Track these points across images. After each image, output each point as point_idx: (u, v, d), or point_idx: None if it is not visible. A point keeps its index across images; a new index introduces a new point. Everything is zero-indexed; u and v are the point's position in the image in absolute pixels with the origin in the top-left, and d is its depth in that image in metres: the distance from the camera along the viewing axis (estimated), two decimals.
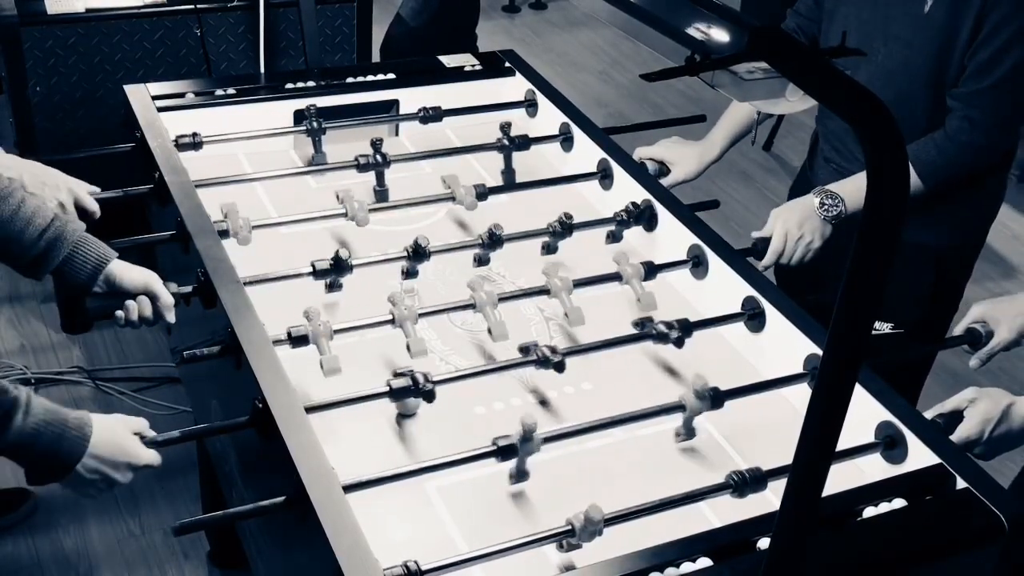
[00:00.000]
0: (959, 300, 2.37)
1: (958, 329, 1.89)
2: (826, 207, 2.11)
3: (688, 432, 1.72)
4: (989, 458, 1.69)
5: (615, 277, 2.00)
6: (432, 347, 1.89)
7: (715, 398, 1.69)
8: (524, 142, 2.41)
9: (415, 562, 1.35)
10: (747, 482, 1.53)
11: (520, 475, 1.56)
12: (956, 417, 1.69)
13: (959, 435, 1.67)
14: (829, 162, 2.36)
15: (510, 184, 2.30)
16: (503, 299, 1.90)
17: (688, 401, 1.68)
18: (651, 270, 2.01)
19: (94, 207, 1.98)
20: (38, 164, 1.95)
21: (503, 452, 1.56)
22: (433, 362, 1.86)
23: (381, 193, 2.29)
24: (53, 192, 1.94)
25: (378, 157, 2.26)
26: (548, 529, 1.44)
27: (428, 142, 2.35)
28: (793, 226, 2.09)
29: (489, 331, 1.85)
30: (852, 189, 2.13)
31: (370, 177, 2.31)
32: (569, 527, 1.44)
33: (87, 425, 1.49)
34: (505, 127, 2.40)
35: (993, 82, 2.05)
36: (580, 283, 1.96)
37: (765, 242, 2.11)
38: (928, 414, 1.72)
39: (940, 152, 2.10)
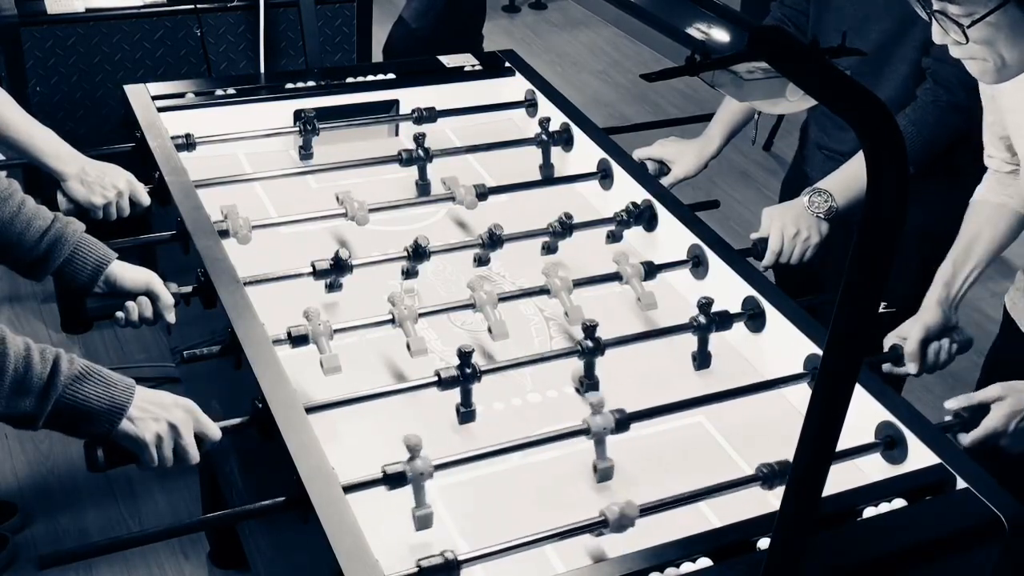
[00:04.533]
0: None
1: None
2: (816, 204, 2.11)
3: (603, 461, 1.62)
4: (1014, 450, 1.70)
5: (615, 277, 2.00)
6: (432, 347, 1.89)
7: (620, 421, 1.59)
8: (563, 138, 2.44)
9: (452, 552, 1.37)
10: (776, 474, 1.53)
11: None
12: (982, 410, 1.71)
13: (985, 426, 1.68)
14: (821, 148, 2.35)
15: (510, 184, 2.30)
16: (503, 299, 1.90)
17: (591, 422, 1.60)
18: (651, 270, 2.01)
19: (147, 200, 2.08)
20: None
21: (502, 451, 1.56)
22: (433, 362, 1.86)
23: (423, 187, 2.32)
24: (113, 180, 2.02)
25: (420, 152, 2.29)
26: (582, 520, 1.45)
27: (428, 142, 2.35)
28: (789, 224, 2.09)
29: (489, 330, 1.85)
30: (839, 182, 2.13)
31: (369, 177, 2.31)
32: (602, 518, 1.44)
33: (128, 378, 1.49)
34: (544, 122, 2.43)
35: None
36: (580, 283, 1.96)
37: (764, 243, 2.11)
38: (950, 404, 1.73)
39: (917, 126, 2.09)
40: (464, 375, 1.68)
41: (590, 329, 1.77)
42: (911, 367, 1.86)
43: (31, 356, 1.40)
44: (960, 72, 2.02)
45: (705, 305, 1.87)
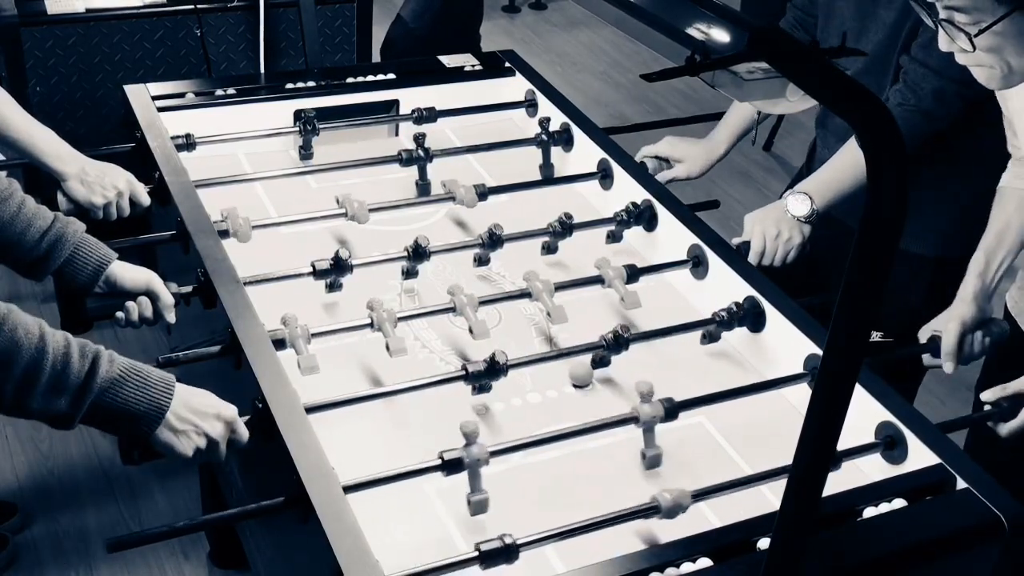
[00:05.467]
0: None
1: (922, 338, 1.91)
2: (795, 207, 2.11)
3: (652, 449, 1.65)
4: None
5: (599, 280, 2.00)
6: (432, 347, 1.89)
7: (670, 410, 1.63)
8: (563, 138, 2.44)
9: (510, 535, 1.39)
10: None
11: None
12: (1018, 400, 1.72)
13: (1020, 420, 1.70)
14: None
15: (510, 184, 2.30)
16: (503, 299, 1.91)
17: (640, 410, 1.63)
18: (634, 273, 2.00)
19: (147, 200, 2.08)
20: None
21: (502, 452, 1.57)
22: (433, 362, 1.86)
23: (423, 187, 2.32)
24: (113, 180, 2.02)
25: (420, 152, 2.29)
26: (633, 506, 1.48)
27: (428, 142, 2.35)
28: (771, 226, 2.10)
29: (470, 330, 1.85)
30: (818, 185, 2.13)
31: (369, 177, 2.32)
32: (655, 504, 1.47)
33: (169, 375, 1.48)
34: (544, 122, 2.43)
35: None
36: (562, 286, 1.95)
37: (747, 245, 2.11)
38: (986, 395, 1.75)
39: None
40: (491, 373, 1.70)
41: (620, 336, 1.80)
42: (948, 367, 1.85)
43: (70, 354, 1.38)
44: (932, 77, 2.02)
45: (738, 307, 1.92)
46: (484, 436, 1.67)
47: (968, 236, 2.26)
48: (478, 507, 1.51)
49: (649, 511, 1.48)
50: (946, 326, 1.85)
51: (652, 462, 1.65)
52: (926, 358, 1.88)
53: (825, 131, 2.37)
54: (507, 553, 1.38)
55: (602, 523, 1.46)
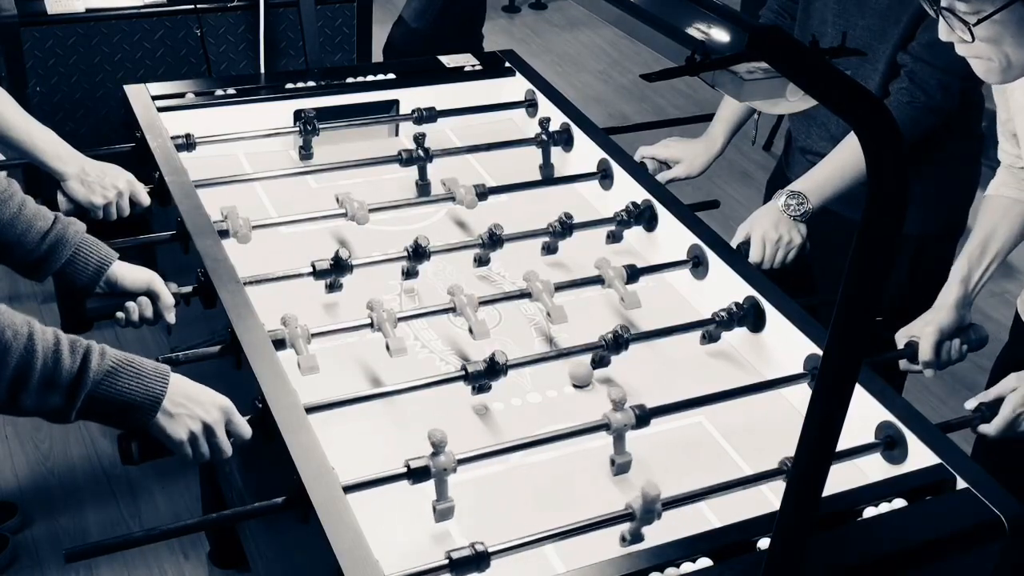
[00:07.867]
0: (938, 290, 2.37)
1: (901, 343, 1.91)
2: (791, 207, 2.11)
3: (622, 456, 1.63)
4: None
5: (598, 280, 2.00)
6: (432, 347, 1.89)
7: (641, 417, 1.62)
8: (563, 138, 2.44)
9: (481, 543, 1.38)
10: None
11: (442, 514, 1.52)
12: (998, 405, 1.72)
13: (1002, 418, 1.70)
14: (805, 153, 2.35)
15: (510, 184, 2.30)
16: (503, 299, 1.91)
17: (612, 418, 1.62)
18: (634, 273, 2.00)
19: (147, 200, 2.08)
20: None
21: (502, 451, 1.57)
22: (433, 362, 1.86)
23: (424, 187, 2.32)
24: (113, 180, 2.02)
25: (420, 152, 2.29)
26: (608, 513, 1.47)
27: (428, 142, 2.35)
28: (771, 229, 2.09)
29: (470, 330, 1.85)
30: (813, 184, 2.14)
31: (369, 177, 2.32)
32: (629, 511, 1.45)
33: (163, 364, 1.48)
34: (544, 122, 2.43)
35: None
36: (562, 286, 1.95)
37: (747, 245, 2.10)
38: (969, 404, 1.75)
39: None
40: (491, 373, 1.70)
41: (619, 335, 1.79)
42: (927, 372, 1.85)
43: (60, 351, 1.38)
44: (939, 74, 2.03)
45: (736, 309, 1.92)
46: (484, 436, 1.68)
47: (946, 213, 2.28)
48: (443, 515, 1.50)
49: (623, 518, 1.46)
50: (923, 331, 1.84)
51: (620, 469, 1.64)
52: (903, 363, 1.88)
53: (799, 118, 2.36)
54: (478, 561, 1.37)
55: (577, 530, 1.45)
